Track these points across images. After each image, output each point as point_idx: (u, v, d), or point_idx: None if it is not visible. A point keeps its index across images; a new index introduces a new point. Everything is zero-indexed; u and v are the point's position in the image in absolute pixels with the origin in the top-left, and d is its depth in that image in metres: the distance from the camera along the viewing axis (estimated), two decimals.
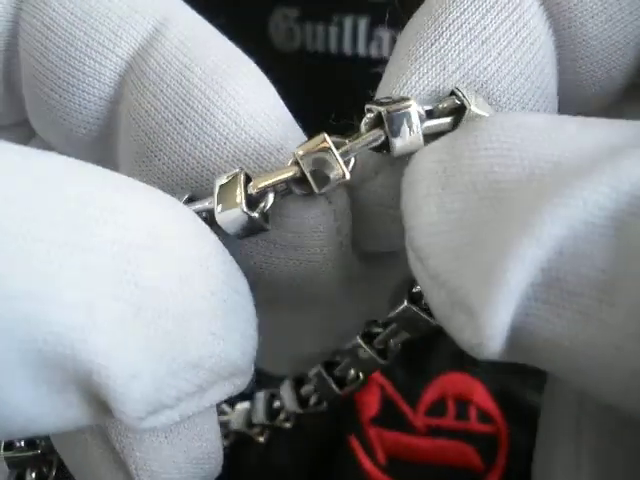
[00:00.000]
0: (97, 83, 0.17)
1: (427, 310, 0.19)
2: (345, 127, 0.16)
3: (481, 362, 0.24)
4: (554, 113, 0.17)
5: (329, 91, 0.30)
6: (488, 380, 0.28)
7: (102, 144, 0.18)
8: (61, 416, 0.13)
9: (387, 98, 0.16)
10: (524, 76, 0.16)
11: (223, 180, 0.15)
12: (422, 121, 0.15)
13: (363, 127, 0.16)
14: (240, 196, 0.15)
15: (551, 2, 0.16)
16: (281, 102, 0.17)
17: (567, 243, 0.11)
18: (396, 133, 0.15)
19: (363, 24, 0.30)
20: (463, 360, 0.27)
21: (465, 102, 0.15)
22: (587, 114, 0.14)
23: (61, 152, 0.16)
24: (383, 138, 0.15)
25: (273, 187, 0.15)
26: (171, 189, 0.16)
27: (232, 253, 0.15)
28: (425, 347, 0.29)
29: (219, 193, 0.15)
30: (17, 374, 0.12)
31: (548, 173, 0.12)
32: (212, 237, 0.15)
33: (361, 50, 0.30)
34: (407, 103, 0.15)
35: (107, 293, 0.12)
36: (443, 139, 0.15)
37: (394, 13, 0.30)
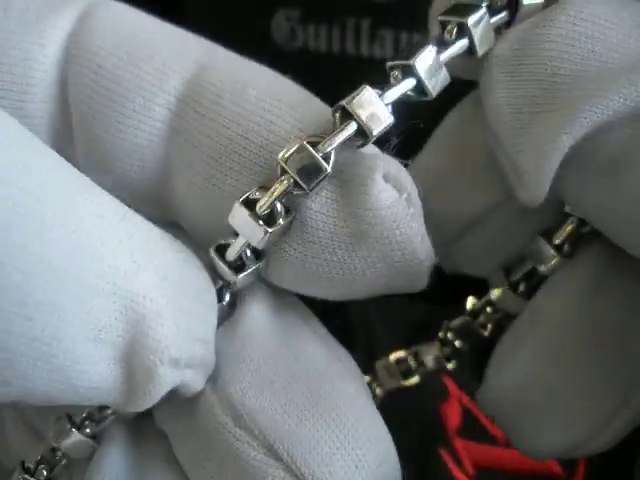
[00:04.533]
0: (148, 119, 0.17)
1: None
2: None
3: None
4: None
5: (332, 91, 0.30)
6: None
7: (155, 185, 0.18)
8: (89, 371, 0.14)
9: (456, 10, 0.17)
10: None
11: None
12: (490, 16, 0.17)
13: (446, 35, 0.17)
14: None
15: None
16: None
17: (592, 132, 0.16)
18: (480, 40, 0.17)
19: (366, 24, 0.29)
20: None
21: None
22: None
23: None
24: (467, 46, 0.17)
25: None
26: None
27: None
28: None
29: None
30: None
31: (594, 72, 0.16)
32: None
33: (364, 50, 0.30)
34: (482, 10, 0.17)
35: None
36: (518, 28, 0.17)
37: (397, 13, 0.30)
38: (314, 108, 0.17)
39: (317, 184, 0.15)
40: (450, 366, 0.24)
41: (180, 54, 0.18)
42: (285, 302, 0.18)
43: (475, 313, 0.23)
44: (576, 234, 0.20)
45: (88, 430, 0.18)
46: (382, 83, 0.16)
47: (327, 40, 0.30)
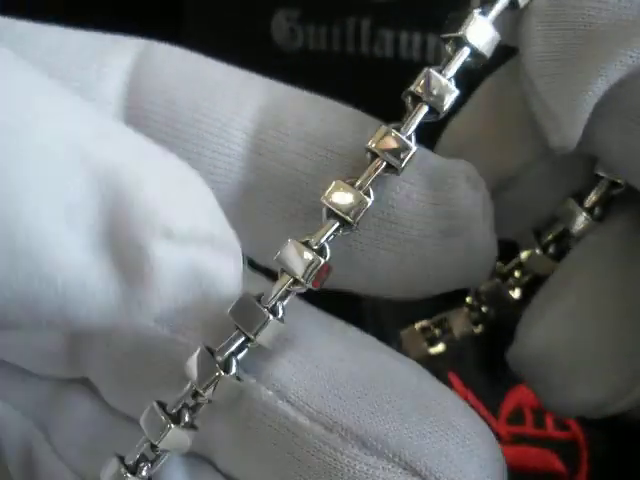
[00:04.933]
0: (226, 142, 0.18)
1: None
2: None
3: None
4: None
5: (331, 92, 0.30)
6: None
7: (226, 206, 0.18)
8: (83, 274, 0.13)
9: None
10: None
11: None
12: None
13: None
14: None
15: None
16: None
17: (626, 77, 0.16)
18: None
19: (366, 24, 0.29)
20: None
21: None
22: None
23: None
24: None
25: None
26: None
27: None
28: (498, 360, 0.30)
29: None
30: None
31: (631, 21, 0.16)
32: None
33: (364, 50, 0.30)
34: None
35: None
36: None
37: (397, 13, 0.30)
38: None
39: (407, 163, 0.17)
40: (477, 330, 0.25)
41: (249, 82, 0.19)
42: (314, 311, 0.18)
43: (504, 276, 0.23)
44: (607, 196, 0.20)
45: (144, 473, 0.16)
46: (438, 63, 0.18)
47: (327, 40, 0.30)
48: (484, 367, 0.29)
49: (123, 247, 0.13)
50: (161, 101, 0.18)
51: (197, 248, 0.14)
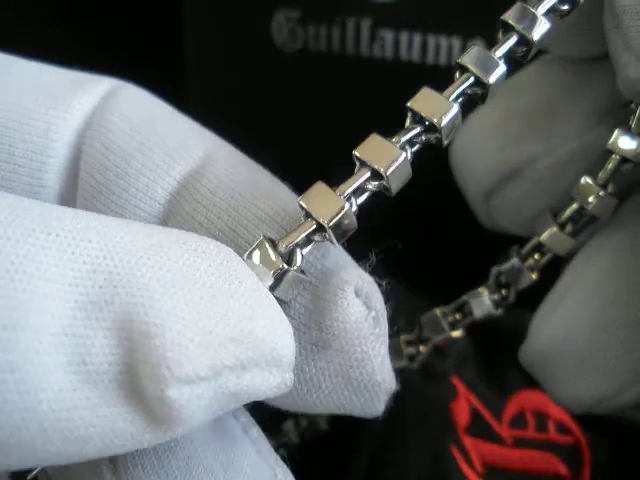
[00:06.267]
0: (149, 200, 0.18)
1: None
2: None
3: None
4: None
5: (331, 92, 0.30)
6: None
7: None
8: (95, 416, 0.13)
9: None
10: None
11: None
12: None
13: None
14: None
15: None
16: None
17: None
18: None
19: (366, 24, 0.29)
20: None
21: None
22: None
23: None
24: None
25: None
26: None
27: None
28: (501, 366, 0.30)
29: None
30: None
31: None
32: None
33: (364, 50, 0.30)
34: None
35: None
36: None
37: (397, 13, 0.30)
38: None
39: (497, 79, 0.17)
40: (497, 313, 0.25)
41: (189, 144, 0.19)
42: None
43: (523, 258, 0.24)
44: (617, 172, 0.21)
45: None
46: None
47: (327, 40, 0.30)
48: (487, 371, 0.29)
49: (145, 398, 0.13)
50: (99, 148, 0.18)
51: (223, 378, 0.13)
